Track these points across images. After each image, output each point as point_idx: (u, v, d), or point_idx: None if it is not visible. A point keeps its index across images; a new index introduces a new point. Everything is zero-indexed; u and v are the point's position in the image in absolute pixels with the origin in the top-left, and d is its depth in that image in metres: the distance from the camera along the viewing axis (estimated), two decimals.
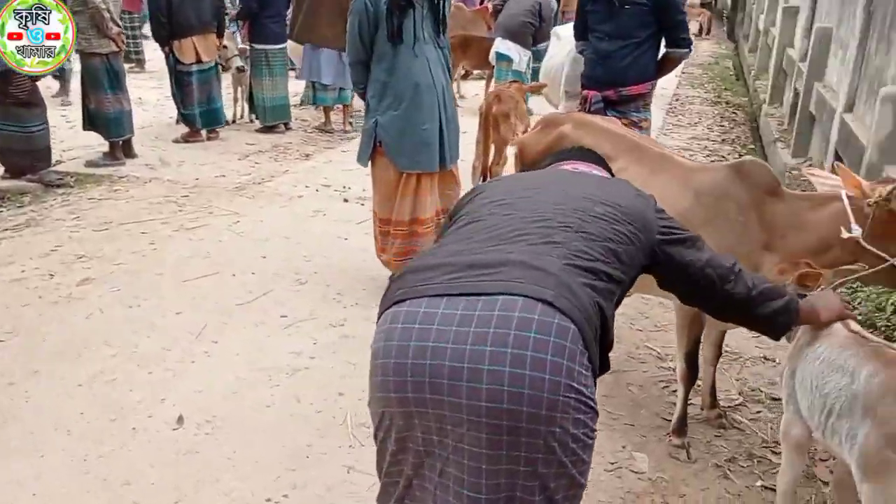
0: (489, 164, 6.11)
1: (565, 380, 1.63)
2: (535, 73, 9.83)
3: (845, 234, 2.85)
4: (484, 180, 6.18)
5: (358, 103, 10.14)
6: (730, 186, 3.03)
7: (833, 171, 3.25)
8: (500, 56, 8.90)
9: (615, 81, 4.69)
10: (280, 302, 4.58)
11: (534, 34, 9.03)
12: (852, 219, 2.84)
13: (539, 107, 8.42)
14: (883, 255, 2.79)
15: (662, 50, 4.83)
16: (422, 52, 4.37)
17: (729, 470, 3.11)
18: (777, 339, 2.25)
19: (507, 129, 5.96)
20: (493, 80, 9.36)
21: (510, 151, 6.29)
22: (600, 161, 2.39)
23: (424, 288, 1.77)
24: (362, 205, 6.42)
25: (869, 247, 2.81)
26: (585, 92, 4.84)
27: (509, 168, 6.39)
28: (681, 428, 3.25)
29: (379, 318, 1.84)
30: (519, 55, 8.91)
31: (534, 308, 1.66)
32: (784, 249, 2.93)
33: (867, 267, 2.67)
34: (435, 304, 1.73)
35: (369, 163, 4.60)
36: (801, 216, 2.97)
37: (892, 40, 6.06)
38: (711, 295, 2.07)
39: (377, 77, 4.41)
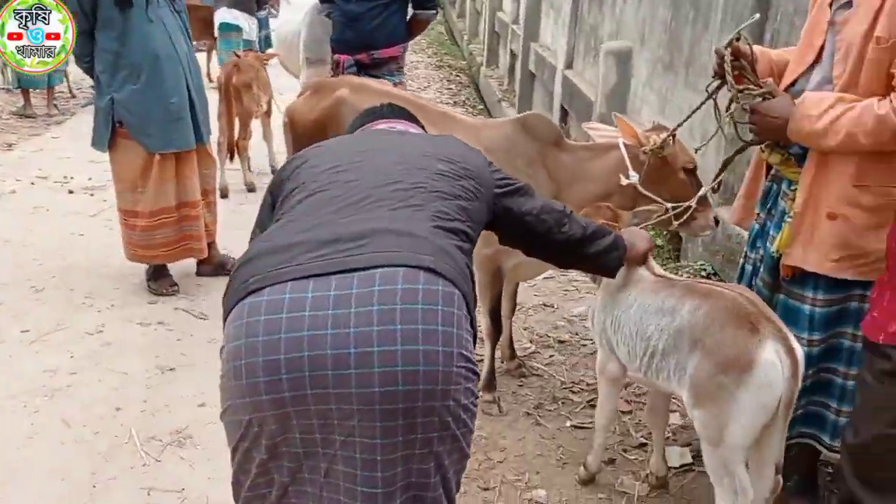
0: (235, 138, 5.72)
1: (457, 349, 1.52)
2: (262, 42, 9.42)
3: (624, 181, 3.00)
4: (231, 157, 5.79)
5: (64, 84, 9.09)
6: (517, 141, 3.06)
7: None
8: (226, 26, 8.36)
9: (366, 44, 4.56)
10: (16, 315, 3.92)
11: (257, 0, 8.61)
12: (629, 166, 3.00)
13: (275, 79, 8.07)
14: (658, 199, 2.98)
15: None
16: (157, 17, 3.90)
17: (539, 416, 3.19)
18: (612, 275, 2.27)
19: (251, 101, 5.64)
20: (217, 51, 8.80)
21: (255, 124, 5.97)
22: (413, 118, 2.27)
23: (284, 271, 1.54)
24: (91, 195, 5.75)
25: (645, 192, 2.98)
26: (337, 56, 4.66)
27: (256, 142, 6.07)
28: (490, 383, 3.27)
29: (228, 314, 1.58)
30: (248, 23, 8.44)
31: (416, 277, 1.52)
32: (571, 199, 3.02)
33: (667, 210, 2.80)
34: (301, 287, 1.52)
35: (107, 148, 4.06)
36: (584, 166, 3.08)
37: (603, 0, 6.57)
38: (551, 240, 2.05)
39: (106, 47, 3.86)
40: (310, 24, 6.16)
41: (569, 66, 7.45)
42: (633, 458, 2.93)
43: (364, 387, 1.47)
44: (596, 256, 2.14)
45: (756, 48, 2.35)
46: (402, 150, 1.92)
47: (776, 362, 1.99)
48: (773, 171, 2.37)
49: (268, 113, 5.96)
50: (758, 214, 2.42)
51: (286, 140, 3.61)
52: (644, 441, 3.00)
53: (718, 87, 2.46)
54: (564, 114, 7.42)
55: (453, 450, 1.59)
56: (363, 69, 4.58)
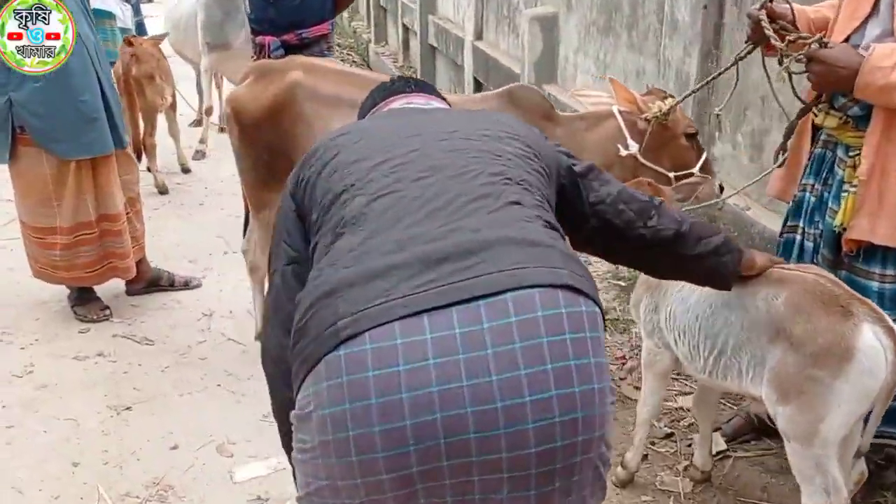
0: (141, 136, 5.16)
1: (607, 383, 1.28)
2: (136, 29, 8.67)
3: (624, 152, 2.81)
4: (139, 157, 5.22)
5: None
6: None
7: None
8: (98, 13, 7.55)
9: (293, 23, 4.12)
10: None
11: None
12: (627, 135, 2.81)
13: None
14: (660, 169, 2.80)
15: None
16: None
17: None
18: (727, 286, 1.88)
19: (154, 93, 5.09)
20: None
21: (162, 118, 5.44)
22: (431, 88, 1.91)
23: (386, 307, 1.22)
24: None
25: (646, 162, 2.80)
26: (260, 38, 4.21)
27: (160, 138, 5.52)
28: None
29: (309, 370, 1.25)
30: (121, 9, 7.68)
31: (556, 299, 1.24)
32: None
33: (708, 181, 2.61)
34: (414, 327, 1.20)
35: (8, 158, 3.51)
36: (578, 138, 2.86)
37: None
38: (634, 236, 1.69)
39: None
40: (206, 6, 5.68)
41: (478, 37, 7.20)
42: (663, 450, 2.76)
43: (517, 449, 1.19)
44: (700, 259, 1.75)
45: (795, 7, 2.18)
46: (454, 131, 1.56)
47: (877, 346, 1.83)
48: (822, 137, 2.21)
49: (172, 106, 5.42)
50: (811, 185, 2.24)
51: (231, 133, 3.19)
52: (670, 430, 2.84)
53: (750, 52, 2.28)
54: (478, 87, 7.18)
55: (601, 495, 1.36)
56: (291, 51, 4.15)
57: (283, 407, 1.56)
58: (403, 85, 1.88)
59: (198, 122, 6.62)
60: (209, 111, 6.08)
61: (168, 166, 5.66)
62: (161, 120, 5.46)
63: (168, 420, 2.96)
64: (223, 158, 6.05)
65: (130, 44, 5.27)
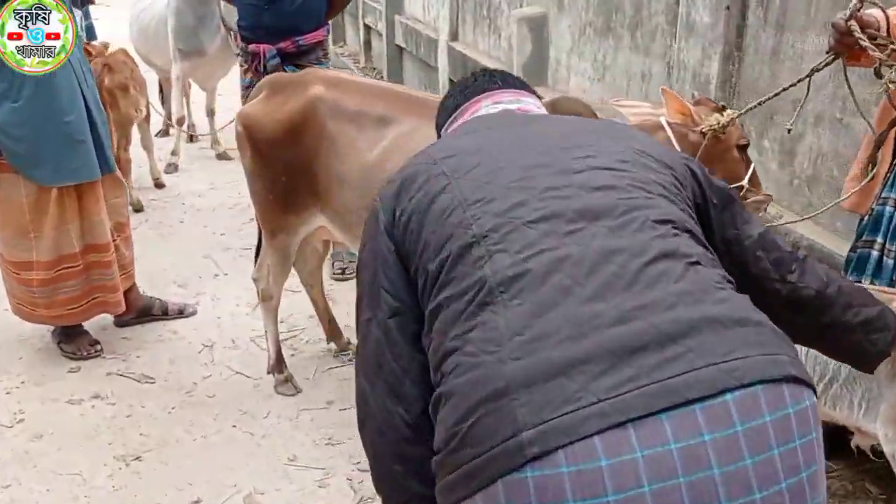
0: (115, 150, 4.81)
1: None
2: (88, 32, 8.25)
3: None
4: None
5: None
6: None
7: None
8: None
9: (291, 29, 3.88)
10: None
11: None
12: (678, 148, 2.65)
13: None
14: None
15: None
16: None
17: None
18: (869, 369, 1.56)
19: (129, 105, 4.75)
20: None
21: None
22: (521, 83, 1.64)
23: (579, 418, 1.00)
24: None
25: None
26: (254, 47, 3.93)
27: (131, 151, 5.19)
28: None
29: (475, 490, 1.03)
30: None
31: (782, 397, 1.05)
32: None
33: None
34: (619, 444, 0.99)
35: None
36: None
37: None
38: (765, 290, 1.40)
39: None
40: (177, 11, 5.35)
41: (454, 37, 7.01)
42: None
43: None
44: (843, 330, 1.46)
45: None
46: (587, 157, 1.31)
47: None
48: None
49: (146, 118, 5.09)
50: (894, 200, 2.11)
51: (243, 153, 2.94)
52: None
53: (829, 63, 2.13)
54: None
55: None
56: (286, 59, 3.92)
57: (391, 480, 1.34)
58: (487, 81, 1.61)
59: (164, 132, 6.28)
60: (181, 121, 5.75)
61: (140, 181, 5.32)
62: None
63: (184, 469, 2.69)
64: (196, 171, 5.77)
65: (89, 53, 4.89)
